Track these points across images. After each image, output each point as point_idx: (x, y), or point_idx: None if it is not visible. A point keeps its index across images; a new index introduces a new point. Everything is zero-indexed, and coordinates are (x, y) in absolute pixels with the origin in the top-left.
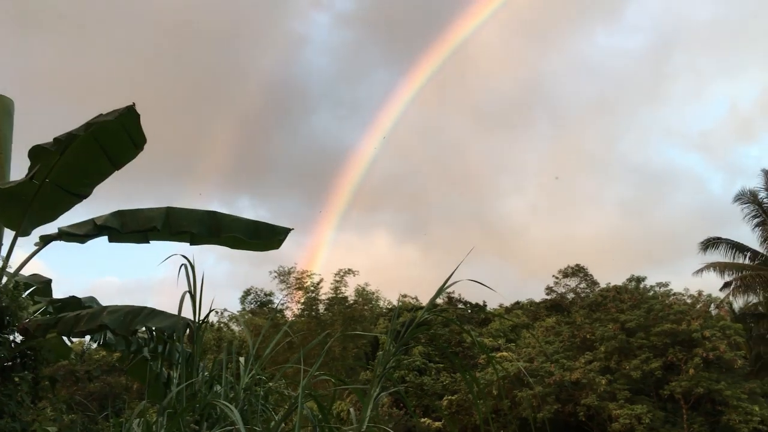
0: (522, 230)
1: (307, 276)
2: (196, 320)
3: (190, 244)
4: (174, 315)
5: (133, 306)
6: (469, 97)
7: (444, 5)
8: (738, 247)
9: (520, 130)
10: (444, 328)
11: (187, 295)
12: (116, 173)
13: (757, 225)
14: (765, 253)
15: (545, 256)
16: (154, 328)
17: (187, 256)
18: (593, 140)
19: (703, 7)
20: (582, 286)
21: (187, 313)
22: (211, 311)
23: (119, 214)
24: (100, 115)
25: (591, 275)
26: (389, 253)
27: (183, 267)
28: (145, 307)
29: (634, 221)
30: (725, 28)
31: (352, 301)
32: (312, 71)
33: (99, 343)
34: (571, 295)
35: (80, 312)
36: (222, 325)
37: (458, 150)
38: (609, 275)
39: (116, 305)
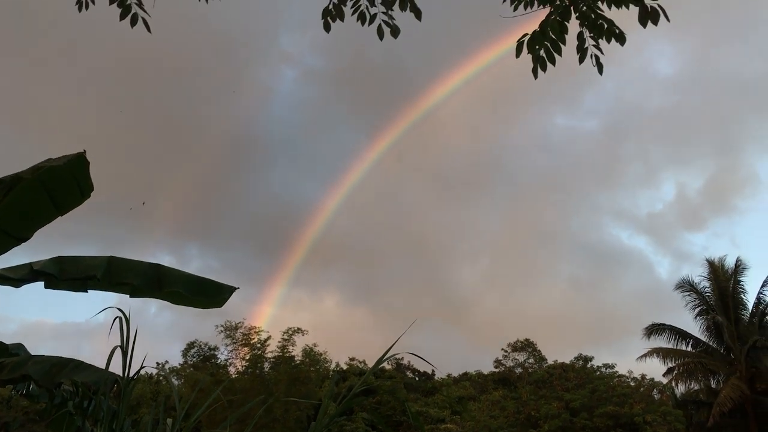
0: (474, 299)
1: (255, 332)
2: (125, 376)
3: (130, 296)
4: (102, 369)
5: (60, 357)
6: (430, 163)
7: (414, 74)
8: (681, 334)
9: (477, 200)
10: (389, 395)
11: (119, 349)
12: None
13: (699, 314)
14: (706, 341)
15: (496, 326)
16: (80, 382)
17: (124, 307)
18: (548, 215)
19: (655, 97)
20: (530, 361)
21: (119, 366)
22: (142, 368)
23: (58, 261)
24: (49, 159)
25: (539, 351)
26: (339, 314)
27: (117, 320)
28: (73, 360)
29: (584, 298)
30: (675, 117)
31: (298, 361)
32: (276, 123)
33: (22, 393)
34: (519, 370)
35: (4, 360)
36: (161, 377)
37: (416, 214)
38: (557, 350)
39: (43, 355)
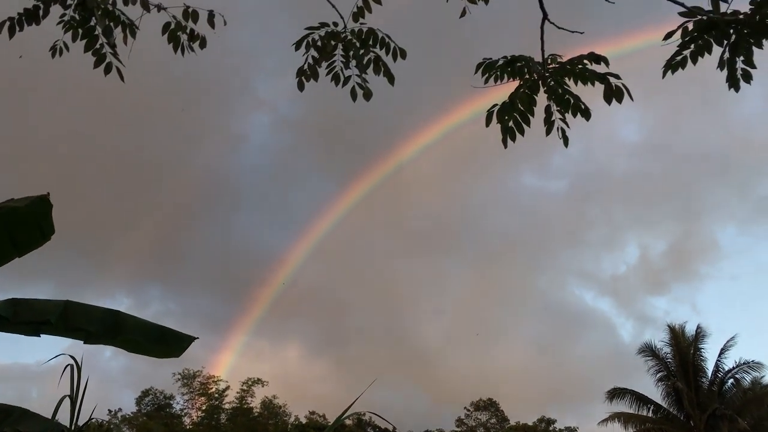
0: (438, 355)
1: (214, 382)
2: (72, 427)
3: (84, 343)
4: (49, 419)
5: (4, 405)
6: (399, 218)
7: (388, 129)
8: (642, 399)
9: (444, 256)
10: None
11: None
12: None
13: (660, 380)
14: (667, 407)
15: (459, 384)
16: None
17: (79, 351)
18: (514, 274)
19: (621, 161)
20: (492, 421)
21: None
22: (91, 419)
23: (12, 303)
24: (12, 199)
25: (502, 410)
26: (301, 365)
27: (69, 367)
28: (17, 408)
29: (548, 358)
30: (640, 182)
31: (257, 414)
32: (246, 169)
33: None
34: (481, 430)
35: None
36: (113, 426)
37: (383, 268)
38: (520, 410)
39: None
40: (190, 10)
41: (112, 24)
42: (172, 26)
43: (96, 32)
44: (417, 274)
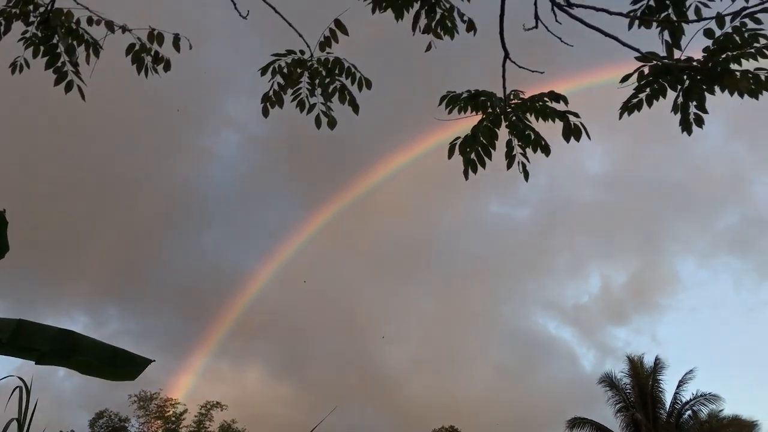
0: (401, 381)
1: (171, 405)
2: None
3: (36, 363)
4: None
5: None
6: (366, 242)
7: (357, 153)
8: (602, 430)
9: (410, 281)
10: None
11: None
12: None
13: (619, 410)
14: None
15: (421, 410)
16: None
17: (29, 374)
18: (479, 301)
19: (585, 192)
20: None
21: None
22: None
23: None
24: None
25: None
26: (262, 389)
27: (18, 389)
28: None
29: (510, 386)
30: (603, 213)
31: None
32: (213, 188)
33: None
34: None
35: None
36: None
37: (348, 292)
38: None
39: None
40: (155, 32)
41: (75, 42)
42: (137, 47)
43: (58, 50)
44: (382, 300)
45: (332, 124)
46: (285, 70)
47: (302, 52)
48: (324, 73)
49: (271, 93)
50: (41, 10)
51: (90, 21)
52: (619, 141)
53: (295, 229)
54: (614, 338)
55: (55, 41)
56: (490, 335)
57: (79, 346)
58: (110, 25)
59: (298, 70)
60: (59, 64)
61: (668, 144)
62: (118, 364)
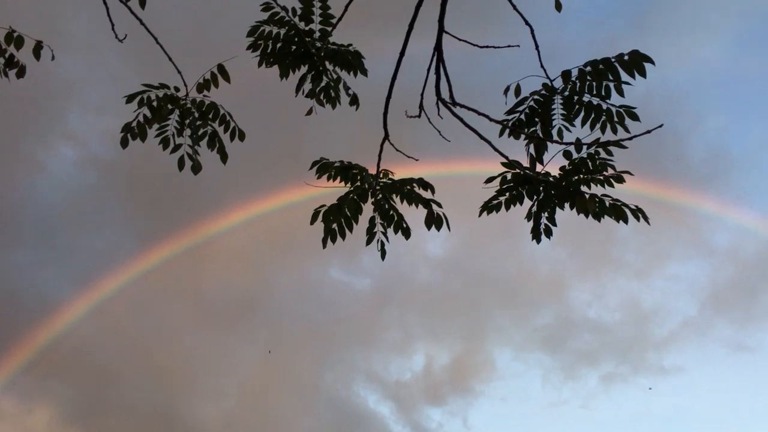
0: None
1: None
2: None
3: None
4: None
5: None
6: (198, 289)
7: (206, 196)
8: None
9: (237, 336)
10: None
11: None
12: None
13: None
14: None
15: None
16: None
17: None
18: (304, 365)
19: (422, 272)
20: None
21: None
22: None
23: None
24: None
25: None
26: None
27: None
28: None
29: None
30: (436, 295)
31: None
32: (36, 203)
33: None
34: None
35: None
36: None
37: (168, 338)
38: None
39: None
40: (15, 34)
41: None
42: None
43: None
44: (203, 352)
45: (196, 169)
46: (154, 104)
47: (177, 89)
48: (197, 115)
49: (134, 124)
50: None
51: None
52: (463, 229)
53: (122, 264)
54: (429, 419)
55: None
56: (310, 401)
57: None
58: None
59: (169, 107)
60: None
61: (506, 241)
62: None
